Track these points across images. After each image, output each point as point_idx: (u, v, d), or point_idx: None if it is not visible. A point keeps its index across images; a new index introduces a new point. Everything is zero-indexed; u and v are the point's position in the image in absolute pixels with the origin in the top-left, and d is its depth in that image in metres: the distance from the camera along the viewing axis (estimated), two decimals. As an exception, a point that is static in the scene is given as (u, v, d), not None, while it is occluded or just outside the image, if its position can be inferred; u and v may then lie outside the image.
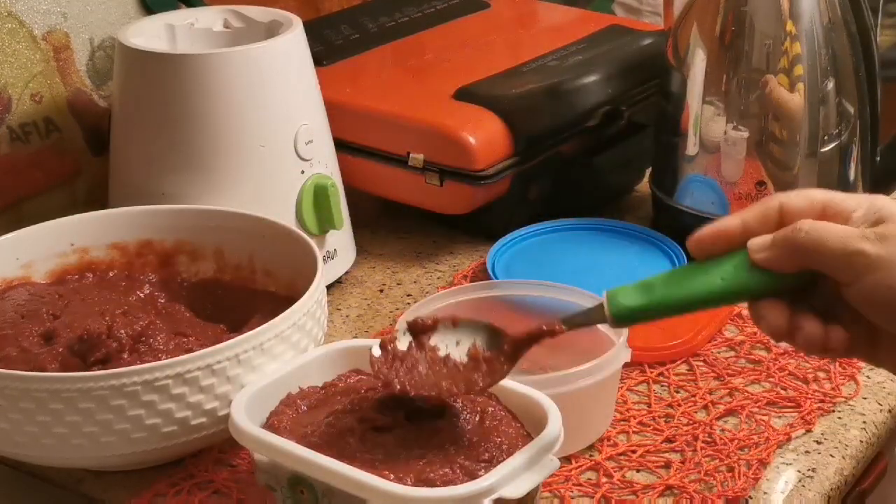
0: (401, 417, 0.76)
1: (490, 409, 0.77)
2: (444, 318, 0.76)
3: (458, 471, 0.71)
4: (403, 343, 0.75)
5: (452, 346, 0.75)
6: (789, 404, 0.93)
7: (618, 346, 0.87)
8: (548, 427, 0.73)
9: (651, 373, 0.97)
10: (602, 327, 0.91)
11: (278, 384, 0.80)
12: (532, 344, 0.73)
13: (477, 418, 0.76)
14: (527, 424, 0.76)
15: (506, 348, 0.74)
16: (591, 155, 1.20)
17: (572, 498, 0.83)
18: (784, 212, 0.69)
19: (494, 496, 0.68)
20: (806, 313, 0.68)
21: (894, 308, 0.65)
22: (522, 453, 0.71)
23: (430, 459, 0.72)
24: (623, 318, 0.69)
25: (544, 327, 0.73)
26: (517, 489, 0.69)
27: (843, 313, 0.67)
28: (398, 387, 0.73)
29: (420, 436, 0.74)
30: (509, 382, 0.78)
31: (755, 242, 0.67)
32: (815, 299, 0.68)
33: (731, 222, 0.69)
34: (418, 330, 0.76)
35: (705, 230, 0.70)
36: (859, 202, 0.68)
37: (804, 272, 0.67)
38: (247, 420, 0.76)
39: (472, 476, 0.70)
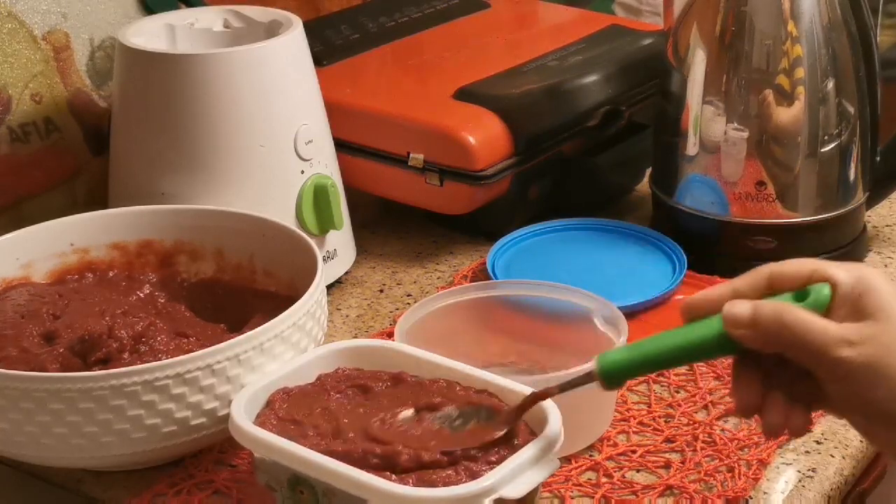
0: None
1: (478, 406, 0.77)
2: (447, 403, 0.77)
3: (458, 471, 0.71)
4: (405, 416, 0.76)
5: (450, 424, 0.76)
6: (789, 404, 0.93)
7: (618, 346, 0.87)
8: (548, 427, 0.73)
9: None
10: (602, 327, 0.91)
11: (278, 384, 0.80)
12: (525, 411, 0.74)
13: (464, 415, 0.76)
14: (527, 424, 0.76)
15: (500, 419, 0.75)
16: (591, 155, 1.20)
17: (572, 498, 0.83)
18: (773, 279, 0.69)
19: (494, 496, 0.68)
20: (775, 393, 0.68)
21: (864, 410, 0.67)
22: (522, 453, 0.71)
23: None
24: (610, 374, 0.71)
25: (536, 393, 0.74)
26: (517, 489, 0.70)
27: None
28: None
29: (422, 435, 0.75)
30: (509, 382, 0.78)
31: (734, 316, 0.67)
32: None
33: (721, 290, 0.70)
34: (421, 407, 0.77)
35: (696, 295, 0.71)
36: (849, 274, 0.67)
37: None
38: (247, 420, 0.76)
39: (473, 476, 0.70)
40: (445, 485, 0.70)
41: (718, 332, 0.68)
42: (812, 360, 0.66)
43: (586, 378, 0.72)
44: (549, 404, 0.75)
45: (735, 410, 0.71)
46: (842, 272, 0.67)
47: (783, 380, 0.68)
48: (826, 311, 0.67)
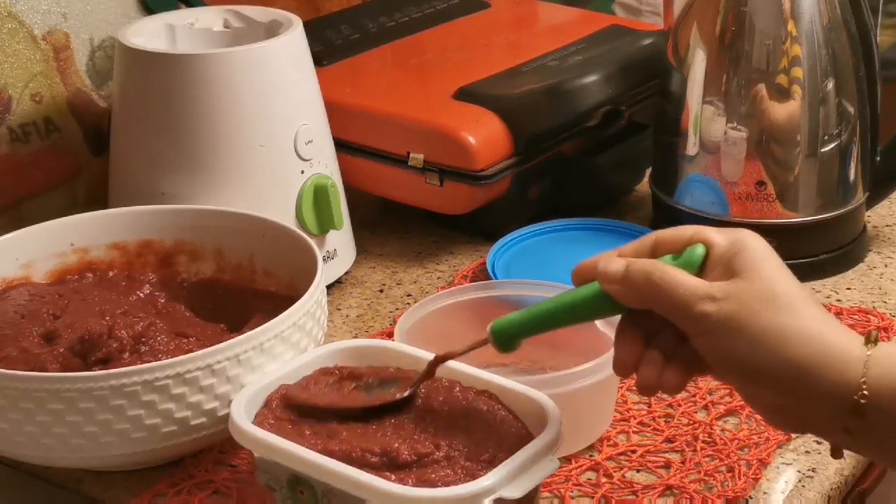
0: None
1: (491, 408, 0.77)
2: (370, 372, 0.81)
3: (458, 471, 0.71)
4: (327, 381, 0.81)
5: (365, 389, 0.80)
6: (789, 404, 0.93)
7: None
8: (548, 427, 0.73)
9: (651, 373, 0.97)
10: (602, 327, 0.91)
11: (278, 384, 0.80)
12: (430, 376, 0.78)
13: (477, 418, 0.76)
14: (527, 424, 0.76)
15: (403, 384, 0.78)
16: (591, 155, 1.20)
17: (572, 498, 0.83)
18: (657, 244, 0.71)
19: (494, 496, 0.68)
20: (652, 351, 0.70)
21: (729, 366, 0.68)
22: (522, 453, 0.71)
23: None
24: (502, 335, 0.74)
25: (438, 356, 0.78)
26: (517, 489, 0.70)
27: None
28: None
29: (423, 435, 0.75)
30: (509, 382, 0.78)
31: (607, 273, 0.70)
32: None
33: (607, 255, 0.72)
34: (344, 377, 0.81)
35: (584, 261, 0.73)
36: (726, 237, 0.69)
37: None
38: (247, 420, 0.76)
39: (473, 476, 0.70)
40: (445, 485, 0.70)
41: (598, 291, 0.71)
42: (677, 315, 0.68)
43: (482, 341, 0.75)
44: (549, 404, 0.75)
45: (614, 368, 0.72)
46: (720, 235, 0.70)
47: (666, 342, 0.70)
48: (700, 271, 0.69)
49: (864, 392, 0.64)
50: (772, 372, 0.66)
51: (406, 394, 0.77)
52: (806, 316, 0.66)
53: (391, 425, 0.76)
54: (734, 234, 0.69)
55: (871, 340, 0.66)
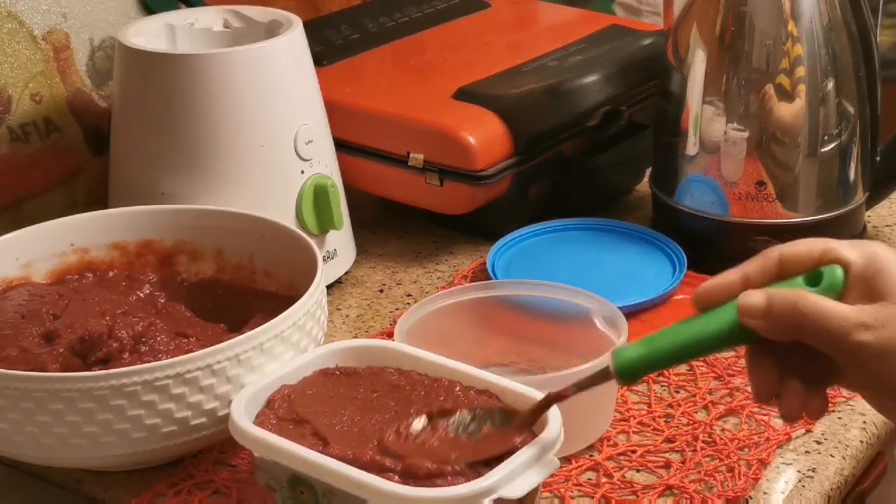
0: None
1: (491, 409, 0.77)
2: (461, 406, 0.77)
3: (458, 470, 0.71)
4: (418, 425, 0.76)
5: (465, 430, 0.75)
6: (789, 404, 0.93)
7: (618, 346, 0.87)
8: (548, 427, 0.73)
9: (651, 373, 0.97)
10: (602, 327, 0.91)
11: (278, 384, 0.80)
12: (542, 413, 0.73)
13: (477, 418, 0.76)
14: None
15: (516, 424, 0.74)
16: (591, 155, 1.20)
17: (572, 498, 0.83)
18: (784, 262, 0.69)
19: (494, 496, 0.68)
20: (792, 379, 0.68)
21: (883, 387, 0.67)
22: (522, 453, 0.71)
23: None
24: (627, 371, 0.70)
25: (552, 395, 0.73)
26: (517, 489, 0.69)
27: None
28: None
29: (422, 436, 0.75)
30: (509, 382, 0.78)
31: (749, 307, 0.67)
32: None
33: (732, 276, 0.69)
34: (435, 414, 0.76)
35: (707, 283, 0.70)
36: (860, 253, 0.67)
37: None
38: (247, 420, 0.76)
39: (473, 476, 0.70)
40: (445, 485, 0.70)
41: (733, 322, 0.67)
42: (830, 346, 0.66)
43: (603, 376, 0.71)
44: (549, 404, 0.75)
45: (753, 398, 0.70)
46: (853, 252, 0.67)
47: (797, 363, 0.68)
48: (839, 293, 0.66)
49: None
50: None
51: (524, 437, 0.73)
52: None
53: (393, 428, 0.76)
54: (866, 248, 0.67)
55: None
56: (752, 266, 0.69)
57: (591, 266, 1.10)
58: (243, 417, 0.76)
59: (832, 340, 0.65)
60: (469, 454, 0.72)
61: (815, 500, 0.84)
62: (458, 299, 0.95)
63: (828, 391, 0.69)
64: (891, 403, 0.68)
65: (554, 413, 0.74)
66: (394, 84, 1.21)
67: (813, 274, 0.67)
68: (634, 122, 1.22)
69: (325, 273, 0.92)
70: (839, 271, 0.67)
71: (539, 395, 0.76)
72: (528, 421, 0.74)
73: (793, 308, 0.65)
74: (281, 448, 0.73)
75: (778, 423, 0.90)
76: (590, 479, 0.85)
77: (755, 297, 0.67)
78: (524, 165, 1.14)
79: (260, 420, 0.76)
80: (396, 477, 0.71)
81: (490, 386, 0.78)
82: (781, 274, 0.68)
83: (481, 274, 1.11)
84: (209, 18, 1.12)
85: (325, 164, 1.08)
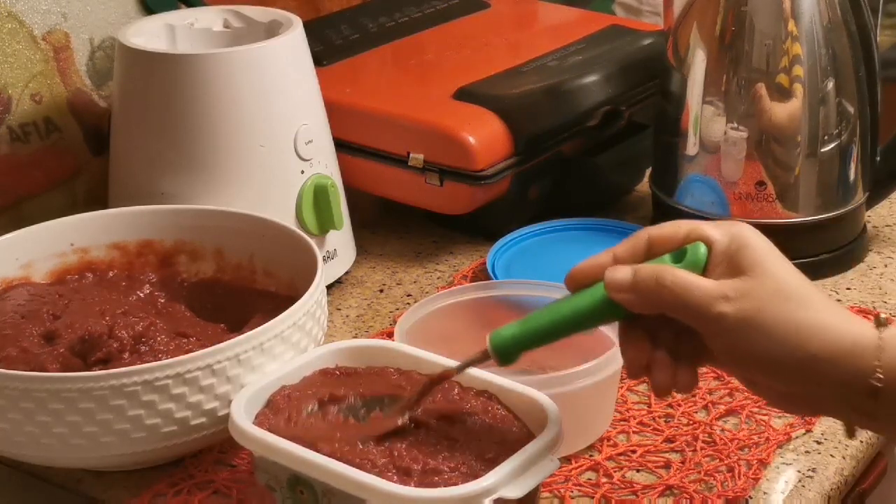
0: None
1: (491, 409, 0.77)
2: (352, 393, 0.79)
3: (458, 470, 0.71)
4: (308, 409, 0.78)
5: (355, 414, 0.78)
6: (789, 404, 0.93)
7: (618, 346, 0.87)
8: (548, 427, 0.73)
9: (651, 373, 0.97)
10: (603, 327, 0.90)
11: (278, 384, 0.80)
12: (426, 396, 0.76)
13: (477, 418, 0.76)
14: (527, 424, 0.76)
15: (401, 405, 0.76)
16: (591, 155, 1.20)
17: (572, 498, 0.83)
18: (652, 242, 0.71)
19: (494, 496, 0.68)
20: (661, 353, 0.70)
21: (744, 361, 0.68)
22: (522, 453, 0.71)
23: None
24: (502, 349, 0.72)
25: (434, 377, 0.76)
26: (517, 489, 0.70)
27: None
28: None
29: (422, 437, 0.75)
30: (509, 382, 0.78)
31: (615, 281, 0.69)
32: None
33: (602, 257, 0.72)
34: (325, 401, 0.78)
35: (578, 265, 0.73)
36: (724, 232, 0.69)
37: None
38: (247, 420, 0.76)
39: (473, 476, 0.70)
40: (445, 485, 0.70)
41: (603, 298, 0.70)
42: (693, 318, 0.68)
43: (482, 356, 0.73)
44: (549, 404, 0.75)
45: (626, 373, 0.72)
46: (717, 231, 0.69)
47: (668, 339, 0.70)
48: (703, 269, 0.69)
49: (879, 375, 0.66)
50: (789, 365, 0.67)
51: (406, 419, 0.75)
52: (819, 308, 0.67)
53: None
54: (730, 228, 0.70)
55: (881, 324, 0.67)
56: (622, 247, 0.72)
57: (591, 266, 1.09)
58: (243, 417, 0.76)
59: (694, 312, 0.67)
60: (353, 433, 0.74)
61: (815, 500, 0.84)
62: (458, 299, 0.95)
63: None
64: (758, 377, 0.70)
65: (554, 413, 0.74)
66: (394, 84, 1.21)
67: (679, 252, 0.70)
68: (634, 122, 1.22)
69: (325, 273, 0.92)
70: (702, 248, 0.69)
71: (538, 395, 0.77)
72: (412, 404, 0.76)
73: (656, 281, 0.68)
74: (281, 448, 0.73)
75: (778, 423, 0.90)
76: (590, 479, 0.85)
77: (621, 272, 0.69)
78: (524, 165, 1.14)
79: (260, 420, 0.76)
80: (395, 477, 0.71)
81: (490, 386, 0.78)
82: (650, 254, 0.71)
83: (481, 274, 1.11)
84: (209, 18, 1.12)
85: (325, 164, 1.08)
